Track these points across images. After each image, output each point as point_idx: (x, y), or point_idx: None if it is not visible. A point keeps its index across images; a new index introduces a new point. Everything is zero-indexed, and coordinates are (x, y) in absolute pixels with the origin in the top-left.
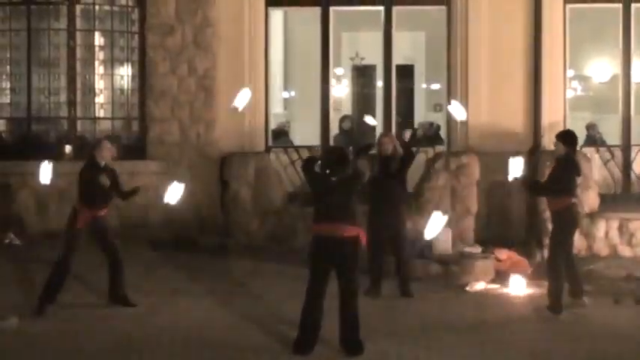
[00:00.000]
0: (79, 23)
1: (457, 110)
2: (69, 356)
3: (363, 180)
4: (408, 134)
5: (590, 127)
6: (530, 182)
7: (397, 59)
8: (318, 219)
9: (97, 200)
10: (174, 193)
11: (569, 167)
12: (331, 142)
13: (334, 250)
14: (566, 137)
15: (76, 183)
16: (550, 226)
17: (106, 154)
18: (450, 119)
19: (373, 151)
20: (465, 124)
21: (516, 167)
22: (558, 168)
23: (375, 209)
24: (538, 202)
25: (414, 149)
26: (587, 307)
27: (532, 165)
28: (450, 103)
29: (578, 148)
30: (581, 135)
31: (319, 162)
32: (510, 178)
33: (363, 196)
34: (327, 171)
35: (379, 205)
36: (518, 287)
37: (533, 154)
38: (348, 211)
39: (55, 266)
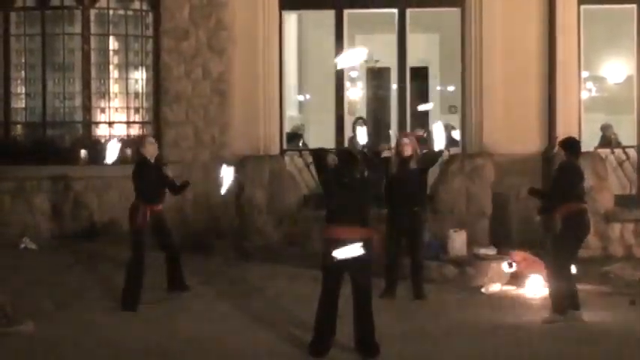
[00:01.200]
0: (93, 28)
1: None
2: None
3: (377, 182)
4: (420, 132)
5: (605, 128)
6: (542, 194)
7: (411, 61)
8: (331, 221)
9: (153, 196)
10: (226, 179)
11: (570, 173)
12: (346, 145)
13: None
14: (567, 144)
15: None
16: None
17: (150, 148)
18: (465, 121)
19: (387, 154)
20: (479, 126)
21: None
22: (560, 175)
23: (393, 211)
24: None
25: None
26: (585, 322)
27: (547, 167)
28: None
29: (592, 149)
30: (596, 136)
31: (331, 157)
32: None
33: (381, 197)
34: (339, 172)
35: (397, 207)
36: (534, 289)
37: (548, 155)
38: (361, 213)
39: (127, 269)
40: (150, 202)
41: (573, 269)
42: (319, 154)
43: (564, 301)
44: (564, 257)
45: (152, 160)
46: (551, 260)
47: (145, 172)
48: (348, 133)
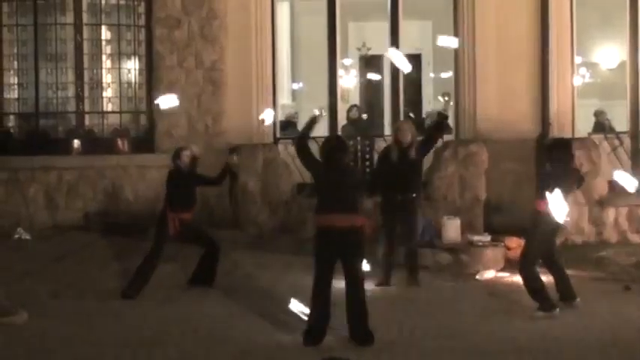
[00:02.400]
0: (85, 17)
1: (399, 60)
2: (78, 351)
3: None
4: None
5: (599, 114)
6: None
7: (404, 49)
8: (322, 209)
9: (183, 204)
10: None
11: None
12: (339, 133)
13: (339, 241)
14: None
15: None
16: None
17: (185, 160)
18: (458, 108)
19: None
20: (473, 112)
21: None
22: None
23: (388, 197)
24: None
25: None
26: (579, 307)
27: (539, 153)
28: (446, 98)
29: (586, 135)
30: (590, 122)
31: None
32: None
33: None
34: (328, 161)
35: (393, 194)
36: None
37: (542, 141)
38: (352, 201)
39: (142, 260)
40: (178, 210)
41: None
42: (301, 143)
43: (545, 296)
44: (529, 253)
45: (185, 169)
46: (520, 259)
47: (176, 182)
48: (341, 121)
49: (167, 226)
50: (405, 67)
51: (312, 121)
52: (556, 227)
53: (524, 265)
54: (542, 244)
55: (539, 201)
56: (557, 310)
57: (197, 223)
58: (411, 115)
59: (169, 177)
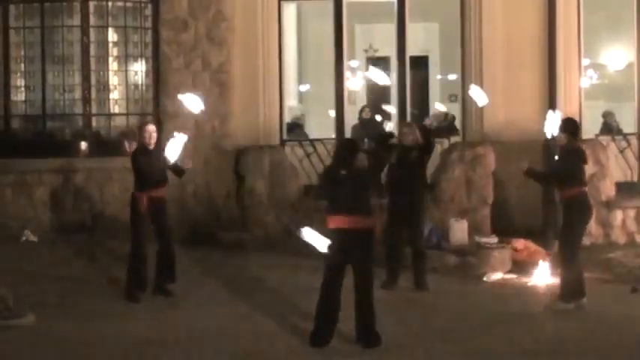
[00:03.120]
0: (92, 20)
1: (478, 95)
2: (84, 354)
3: (378, 171)
4: (428, 121)
5: (607, 115)
6: (538, 174)
7: (411, 50)
8: (332, 211)
9: (151, 182)
10: (174, 146)
11: (574, 157)
12: (347, 132)
13: (349, 243)
14: (568, 127)
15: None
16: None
17: (149, 136)
18: (465, 109)
19: (394, 141)
20: (480, 114)
21: (553, 123)
22: (562, 157)
23: (394, 200)
24: (554, 191)
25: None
26: (585, 308)
27: (548, 154)
28: (469, 90)
29: (593, 137)
30: (597, 123)
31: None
32: (548, 134)
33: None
34: (340, 163)
35: (398, 196)
36: (536, 277)
37: (549, 143)
38: (363, 203)
39: (129, 259)
40: (146, 189)
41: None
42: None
43: (573, 289)
44: (572, 244)
45: (151, 147)
46: (560, 248)
47: (142, 158)
48: (347, 123)
49: (138, 206)
50: (482, 101)
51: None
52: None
53: (569, 252)
54: (576, 228)
55: (571, 188)
56: (572, 305)
57: (166, 209)
58: (429, 121)
59: (133, 155)
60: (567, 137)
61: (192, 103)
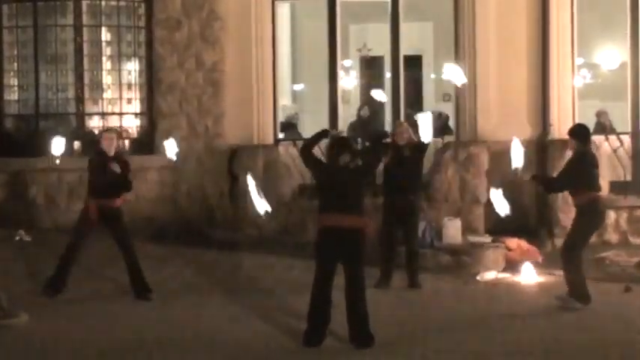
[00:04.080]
0: (85, 19)
1: (456, 76)
2: (78, 353)
3: (373, 168)
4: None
5: (601, 115)
6: (543, 179)
7: (405, 50)
8: (325, 210)
9: (105, 191)
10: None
11: (586, 162)
12: (346, 130)
13: (342, 241)
14: (577, 133)
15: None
16: (561, 217)
17: (106, 143)
18: (459, 109)
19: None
20: (473, 113)
21: (517, 154)
22: (574, 162)
23: (389, 199)
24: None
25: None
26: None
27: (541, 154)
28: (446, 70)
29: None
30: (590, 123)
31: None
32: (513, 166)
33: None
34: (333, 160)
35: (393, 195)
36: (529, 276)
37: (542, 141)
38: (356, 201)
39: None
40: (99, 197)
41: None
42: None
43: (581, 290)
44: (578, 246)
45: (111, 154)
46: (565, 249)
47: (95, 165)
48: (341, 122)
49: (87, 213)
50: (460, 80)
51: (322, 134)
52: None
53: (570, 255)
54: (586, 233)
55: (584, 194)
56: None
57: (122, 218)
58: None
59: (90, 161)
60: (576, 143)
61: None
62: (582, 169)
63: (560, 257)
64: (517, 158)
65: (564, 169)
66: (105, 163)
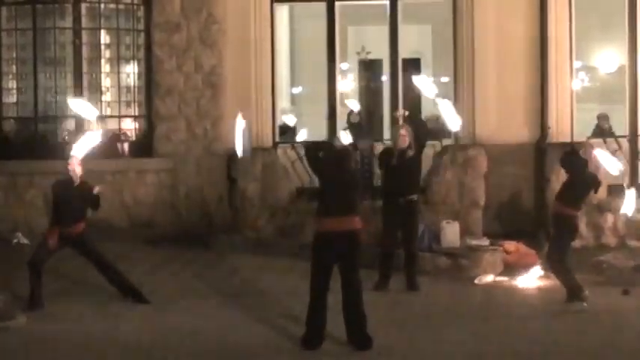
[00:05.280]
0: (84, 22)
1: (451, 116)
2: (76, 356)
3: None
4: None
5: (601, 118)
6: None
7: (403, 53)
8: (325, 213)
9: (68, 217)
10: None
11: (589, 184)
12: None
13: (340, 244)
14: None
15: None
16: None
17: (72, 168)
18: (457, 111)
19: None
20: (471, 116)
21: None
22: (580, 180)
23: (389, 201)
24: (545, 194)
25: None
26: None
27: (540, 157)
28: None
29: (585, 139)
30: (589, 126)
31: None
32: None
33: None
34: (331, 166)
35: (392, 198)
36: (527, 279)
37: (541, 145)
38: (352, 204)
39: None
40: (60, 224)
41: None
42: (315, 149)
43: (577, 289)
44: (561, 250)
45: (75, 178)
46: (550, 256)
47: (58, 191)
48: (340, 125)
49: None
50: (455, 124)
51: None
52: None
53: (556, 261)
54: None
55: (564, 206)
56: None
57: (88, 241)
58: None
59: (53, 188)
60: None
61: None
62: (585, 190)
63: (547, 262)
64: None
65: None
66: (70, 189)
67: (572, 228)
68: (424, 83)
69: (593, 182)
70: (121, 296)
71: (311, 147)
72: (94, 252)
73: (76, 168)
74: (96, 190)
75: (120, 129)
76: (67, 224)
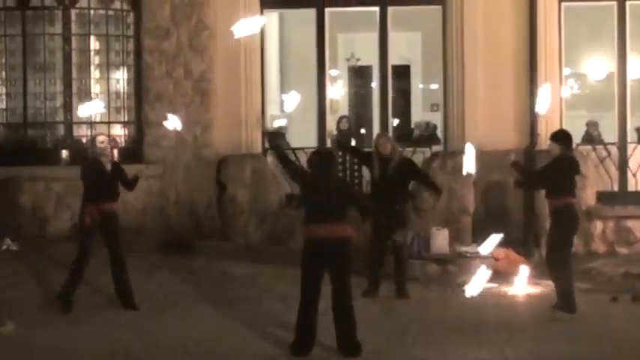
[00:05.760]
0: (74, 28)
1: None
2: None
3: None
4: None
5: (590, 125)
6: (523, 169)
7: (393, 59)
8: (311, 220)
9: (100, 195)
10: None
11: (566, 166)
12: (328, 143)
13: (329, 251)
14: (560, 136)
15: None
16: (548, 225)
17: (100, 146)
18: (446, 119)
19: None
20: (461, 123)
21: (470, 159)
22: (555, 166)
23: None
24: (535, 200)
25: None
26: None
27: (529, 164)
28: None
29: (574, 147)
30: (578, 133)
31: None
32: (464, 172)
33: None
34: (316, 172)
35: (380, 205)
36: (517, 286)
37: (530, 152)
38: (341, 212)
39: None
40: (95, 200)
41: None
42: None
43: (570, 298)
44: (562, 251)
45: (104, 160)
46: (549, 258)
47: (91, 171)
48: (330, 132)
49: (85, 219)
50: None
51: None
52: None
53: (558, 262)
54: (566, 235)
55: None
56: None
57: (117, 222)
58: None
59: (83, 167)
60: (560, 147)
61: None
62: (561, 173)
63: (547, 265)
64: (469, 163)
65: (545, 168)
66: (99, 168)
67: (571, 216)
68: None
69: (571, 164)
70: (114, 298)
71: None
72: (118, 237)
73: (100, 146)
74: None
75: (109, 135)
76: (102, 201)
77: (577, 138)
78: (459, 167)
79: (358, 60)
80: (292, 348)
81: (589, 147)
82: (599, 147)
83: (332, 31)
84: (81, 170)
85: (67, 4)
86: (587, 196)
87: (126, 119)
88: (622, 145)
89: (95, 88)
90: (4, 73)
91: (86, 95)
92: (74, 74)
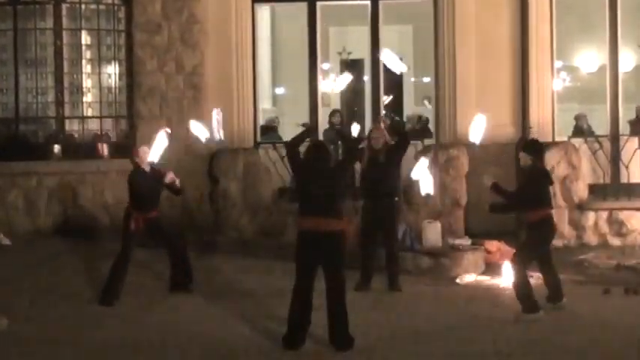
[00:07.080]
0: (65, 22)
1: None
2: (58, 356)
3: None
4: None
5: (579, 118)
6: (499, 189)
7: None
8: (304, 213)
9: (145, 204)
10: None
11: (538, 178)
12: (320, 137)
13: (322, 245)
14: (530, 147)
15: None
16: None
17: (144, 157)
18: (438, 112)
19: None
20: (453, 116)
21: (476, 130)
22: (528, 181)
23: (366, 203)
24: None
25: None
26: (565, 308)
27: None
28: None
29: (566, 139)
30: (570, 125)
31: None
32: (423, 193)
33: (355, 189)
34: (310, 165)
35: (371, 199)
36: (509, 279)
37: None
38: (334, 205)
39: (112, 265)
40: (141, 210)
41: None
42: (293, 151)
43: (530, 299)
44: (525, 260)
45: (147, 168)
46: (513, 262)
47: (138, 180)
48: (321, 126)
49: (130, 224)
50: (399, 68)
51: (307, 133)
52: (551, 233)
53: (517, 269)
54: (537, 249)
55: (537, 211)
56: (542, 312)
57: (162, 224)
58: (391, 117)
59: (130, 176)
60: (532, 159)
61: (199, 131)
62: (536, 186)
63: (514, 269)
64: (475, 133)
65: (523, 186)
66: (144, 177)
67: (548, 229)
68: (391, 59)
69: (544, 175)
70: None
71: (291, 143)
72: (168, 235)
73: (143, 157)
74: (168, 177)
75: (101, 129)
76: (146, 210)
77: (569, 131)
78: (451, 160)
79: (350, 54)
80: (284, 341)
81: (580, 139)
82: (591, 139)
83: (324, 24)
84: (131, 177)
85: None
86: (579, 188)
87: (118, 114)
88: (614, 138)
89: (87, 82)
90: None
91: (78, 90)
92: (66, 69)
